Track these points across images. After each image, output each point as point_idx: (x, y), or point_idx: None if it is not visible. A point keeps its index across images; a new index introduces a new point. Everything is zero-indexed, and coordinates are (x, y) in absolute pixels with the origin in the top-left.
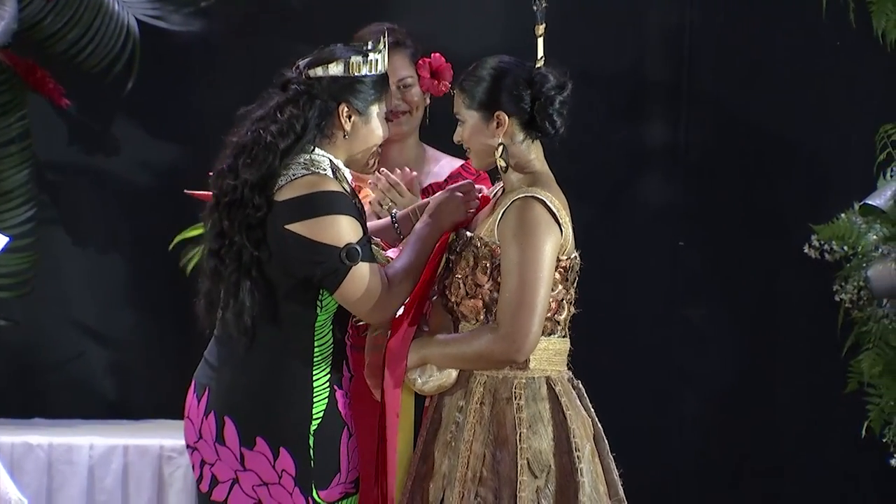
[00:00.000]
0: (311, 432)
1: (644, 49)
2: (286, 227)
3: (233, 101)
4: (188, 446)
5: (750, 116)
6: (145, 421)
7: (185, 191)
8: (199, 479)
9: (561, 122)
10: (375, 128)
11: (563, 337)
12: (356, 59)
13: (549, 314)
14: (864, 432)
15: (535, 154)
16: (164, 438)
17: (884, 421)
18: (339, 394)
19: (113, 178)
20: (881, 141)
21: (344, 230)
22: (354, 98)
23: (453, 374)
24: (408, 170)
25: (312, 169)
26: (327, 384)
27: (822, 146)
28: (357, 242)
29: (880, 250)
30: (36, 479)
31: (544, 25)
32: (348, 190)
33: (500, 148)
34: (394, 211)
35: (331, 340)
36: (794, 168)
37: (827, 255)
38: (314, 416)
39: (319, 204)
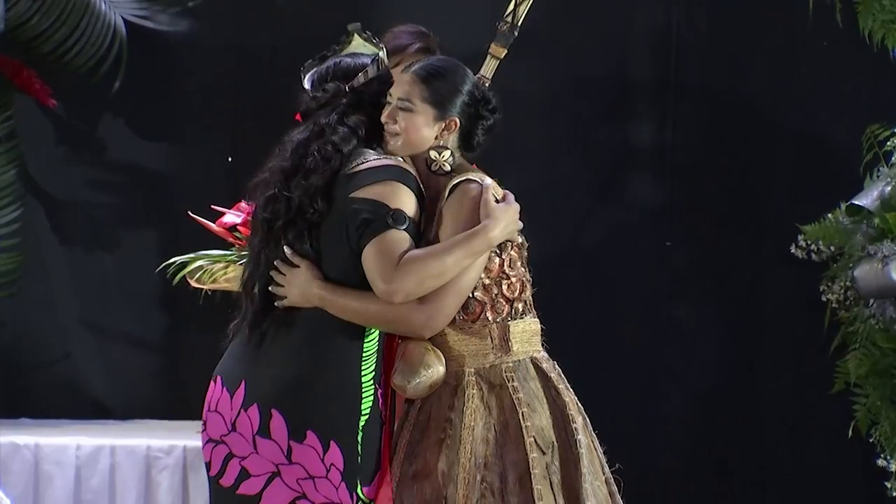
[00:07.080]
0: (360, 427)
1: (631, 49)
2: (351, 195)
3: (219, 101)
4: (211, 440)
5: (737, 116)
6: (132, 421)
7: (189, 213)
8: (220, 473)
9: (483, 144)
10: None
11: (535, 317)
12: (382, 54)
13: (516, 294)
14: (850, 432)
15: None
16: (151, 439)
17: (870, 421)
18: (379, 392)
19: (99, 179)
20: (868, 141)
21: (403, 199)
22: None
23: (440, 368)
24: None
25: (390, 156)
26: (373, 380)
27: (808, 146)
28: (410, 215)
29: (867, 250)
30: (23, 479)
31: (505, 52)
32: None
33: (447, 152)
34: None
35: (377, 337)
36: (780, 168)
37: (814, 255)
38: (363, 412)
39: (391, 174)
